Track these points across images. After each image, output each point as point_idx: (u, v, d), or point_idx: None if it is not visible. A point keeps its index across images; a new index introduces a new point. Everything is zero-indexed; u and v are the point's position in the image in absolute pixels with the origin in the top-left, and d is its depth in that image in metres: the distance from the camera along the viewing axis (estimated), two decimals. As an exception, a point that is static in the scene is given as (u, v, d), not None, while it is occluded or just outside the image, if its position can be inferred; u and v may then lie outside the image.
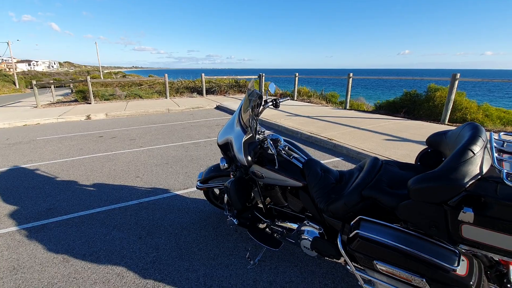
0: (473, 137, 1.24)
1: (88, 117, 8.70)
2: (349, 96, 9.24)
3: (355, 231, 1.47)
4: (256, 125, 2.21)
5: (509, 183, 1.08)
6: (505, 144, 1.40)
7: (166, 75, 12.19)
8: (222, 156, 2.28)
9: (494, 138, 1.39)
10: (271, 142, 1.85)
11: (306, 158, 2.04)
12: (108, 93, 12.26)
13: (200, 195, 3.30)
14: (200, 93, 13.27)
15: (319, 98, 11.52)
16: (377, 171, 1.70)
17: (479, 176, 1.16)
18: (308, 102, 10.87)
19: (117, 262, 2.24)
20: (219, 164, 2.34)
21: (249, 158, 1.88)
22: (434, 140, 1.65)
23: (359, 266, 1.59)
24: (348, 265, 1.59)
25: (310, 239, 1.88)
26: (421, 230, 1.35)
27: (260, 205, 2.33)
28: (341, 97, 11.77)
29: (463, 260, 1.25)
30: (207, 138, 5.97)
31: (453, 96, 6.76)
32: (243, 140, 1.90)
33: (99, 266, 2.20)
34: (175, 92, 13.36)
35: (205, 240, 2.48)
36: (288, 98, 2.72)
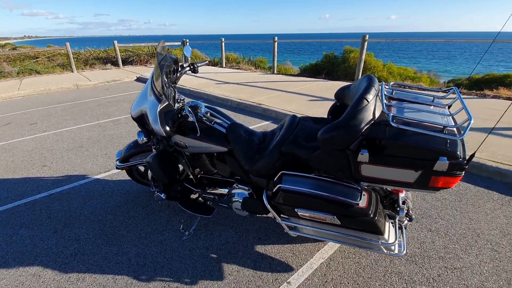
0: (367, 88, 1.39)
1: (-34, 102, 6.89)
2: (275, 61, 9.40)
3: (277, 186, 1.56)
4: (175, 93, 2.05)
5: (394, 125, 1.25)
6: (394, 92, 1.61)
7: (68, 44, 10.24)
8: (139, 130, 2.08)
9: (385, 87, 1.58)
10: (189, 109, 1.75)
11: (229, 122, 2.02)
12: (-9, 70, 9.79)
13: (126, 176, 3.04)
14: (115, 64, 11.69)
15: (248, 64, 11.44)
16: (295, 127, 1.80)
17: (372, 121, 1.32)
18: (237, 68, 10.71)
19: (31, 262, 1.95)
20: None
21: (167, 128, 1.75)
22: (340, 94, 1.80)
23: (284, 216, 1.73)
24: (275, 217, 1.71)
25: (241, 201, 1.94)
26: (331, 175, 1.50)
27: (191, 176, 2.27)
28: (269, 62, 11.90)
29: (364, 195, 1.45)
30: (129, 114, 5.40)
31: (363, 57, 7.49)
32: (158, 110, 1.75)
33: (8, 270, 1.89)
34: (84, 65, 11.48)
35: (135, 221, 2.34)
36: (207, 62, 2.58)
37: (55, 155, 3.65)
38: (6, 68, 10.14)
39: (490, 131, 1.70)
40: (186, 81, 7.96)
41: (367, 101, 1.33)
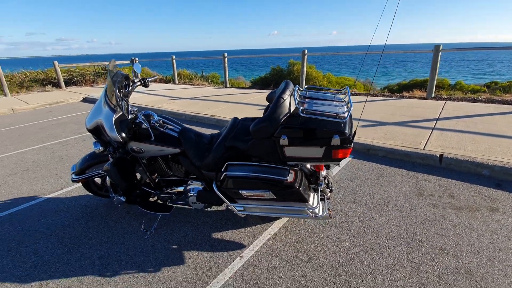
0: (283, 90, 1.82)
1: None
2: (227, 75, 9.88)
3: (223, 174, 1.88)
4: (127, 105, 2.28)
5: (302, 115, 1.69)
6: (307, 93, 2.09)
7: (-1, 66, 9.47)
8: (95, 140, 2.24)
9: (299, 89, 2.04)
10: (142, 117, 2.01)
11: (180, 128, 2.31)
12: None
13: (81, 191, 3.07)
14: (56, 85, 11.05)
15: (200, 80, 11.75)
16: (236, 126, 2.16)
17: (288, 114, 1.74)
18: (191, 84, 10.94)
19: (-17, 283, 1.95)
20: (94, 151, 2.29)
21: (123, 134, 1.97)
22: (270, 97, 2.22)
23: (234, 201, 2.05)
24: (225, 202, 2.02)
25: (195, 194, 2.21)
26: (264, 159, 1.88)
27: (149, 181, 2.46)
28: (222, 77, 12.37)
29: (291, 173, 1.85)
30: (78, 134, 5.29)
31: (305, 69, 8.34)
32: (114, 119, 1.97)
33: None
34: (19, 87, 10.63)
35: (95, 229, 2.44)
36: (156, 77, 2.84)
37: (-2, 180, 3.48)
38: None
39: (358, 120, 2.26)
40: (138, 99, 7.95)
41: (283, 99, 1.75)
